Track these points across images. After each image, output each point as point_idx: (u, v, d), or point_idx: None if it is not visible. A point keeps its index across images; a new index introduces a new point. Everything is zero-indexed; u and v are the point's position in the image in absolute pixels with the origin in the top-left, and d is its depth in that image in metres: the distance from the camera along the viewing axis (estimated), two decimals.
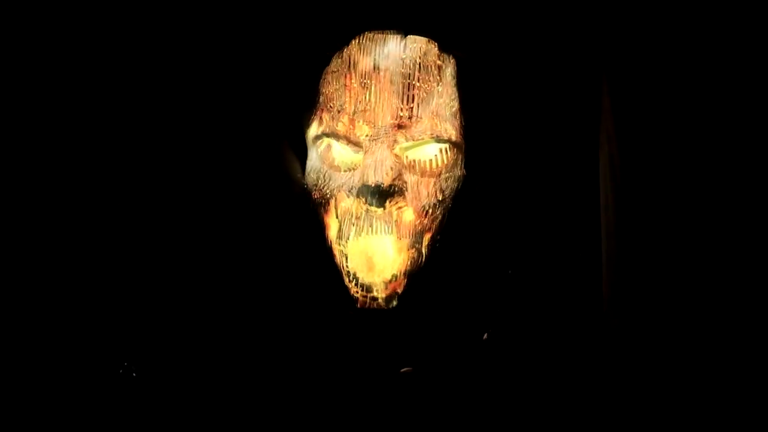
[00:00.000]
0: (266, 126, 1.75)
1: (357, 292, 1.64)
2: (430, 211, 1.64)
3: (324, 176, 1.66)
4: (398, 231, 1.61)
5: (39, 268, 1.68)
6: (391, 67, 1.63)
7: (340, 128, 1.63)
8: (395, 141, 1.61)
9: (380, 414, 1.55)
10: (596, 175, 1.74)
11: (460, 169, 1.67)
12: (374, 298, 1.64)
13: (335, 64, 1.68)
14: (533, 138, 1.74)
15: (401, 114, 1.61)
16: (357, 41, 1.66)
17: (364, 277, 1.63)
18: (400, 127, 1.61)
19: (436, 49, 1.65)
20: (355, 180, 1.62)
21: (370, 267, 1.62)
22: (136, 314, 1.68)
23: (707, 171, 1.68)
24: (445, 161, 1.64)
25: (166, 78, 1.74)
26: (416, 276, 1.64)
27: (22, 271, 1.67)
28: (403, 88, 1.62)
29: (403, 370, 1.59)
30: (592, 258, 1.71)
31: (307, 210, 1.69)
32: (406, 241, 1.62)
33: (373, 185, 1.58)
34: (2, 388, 1.59)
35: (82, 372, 1.61)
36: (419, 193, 1.62)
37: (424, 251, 1.65)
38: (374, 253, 1.61)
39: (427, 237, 1.65)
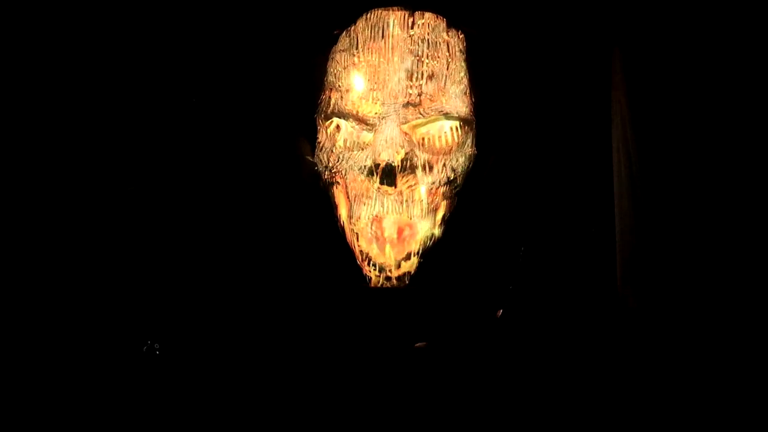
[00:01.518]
0: (275, 109, 1.74)
1: (370, 272, 1.64)
2: (442, 188, 1.62)
3: (334, 156, 1.65)
4: (409, 210, 1.60)
5: (57, 264, 1.68)
6: (400, 45, 1.61)
7: (349, 107, 1.62)
8: (405, 119, 1.59)
9: (394, 390, 1.55)
10: (609, 152, 1.73)
11: (471, 146, 1.65)
12: (387, 278, 1.63)
13: (342, 43, 1.66)
14: (545, 114, 1.72)
15: (410, 92, 1.60)
16: (364, 19, 1.64)
17: (377, 257, 1.63)
18: (409, 104, 1.59)
19: (445, 25, 1.64)
20: (366, 159, 1.61)
21: (382, 246, 1.62)
22: (160, 294, 1.69)
23: (720, 142, 1.66)
24: (456, 139, 1.63)
25: (173, 60, 1.73)
26: (428, 254, 1.64)
27: (40, 268, 1.68)
28: (412, 65, 1.60)
29: (417, 345, 1.59)
30: (605, 235, 1.70)
31: (318, 191, 1.69)
32: (418, 220, 1.61)
33: (383, 163, 1.57)
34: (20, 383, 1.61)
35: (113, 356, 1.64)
36: (430, 171, 1.61)
37: (435, 229, 1.64)
38: (383, 236, 1.61)
39: (438, 215, 1.64)
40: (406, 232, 1.61)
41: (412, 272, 1.64)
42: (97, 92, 1.72)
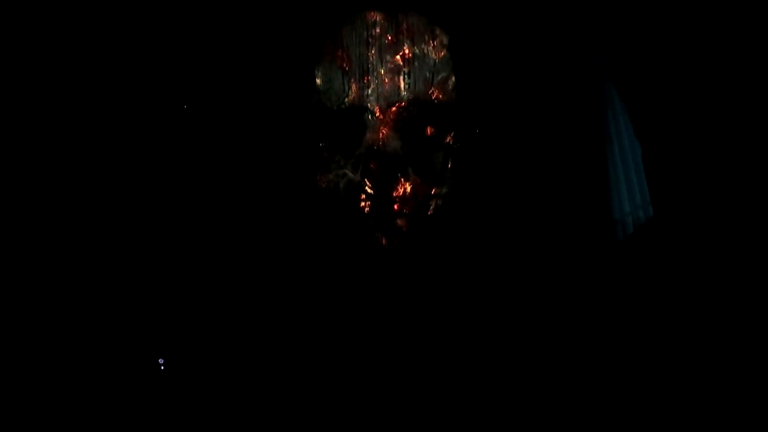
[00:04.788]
0: (269, 114, 1.76)
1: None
2: (436, 181, 1.66)
3: (329, 159, 1.68)
4: (407, 204, 1.64)
5: (53, 268, 1.71)
6: (385, 45, 1.64)
7: (341, 110, 1.65)
8: (395, 116, 1.63)
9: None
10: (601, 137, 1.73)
11: (460, 138, 1.68)
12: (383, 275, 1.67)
13: (329, 48, 1.69)
14: (530, 104, 1.73)
15: (399, 90, 1.63)
16: (349, 22, 1.67)
17: (370, 259, 1.66)
18: (398, 102, 1.63)
19: (428, 22, 1.66)
20: (361, 159, 1.64)
21: (380, 248, 1.66)
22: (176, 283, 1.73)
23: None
24: (446, 131, 1.66)
25: (167, 72, 1.75)
26: (424, 237, 1.67)
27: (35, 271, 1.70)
28: (399, 63, 1.63)
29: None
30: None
31: (319, 195, 1.71)
32: (414, 216, 1.65)
33: (378, 162, 1.62)
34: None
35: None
36: (424, 164, 1.65)
37: (433, 220, 1.67)
38: (381, 234, 1.65)
39: (434, 204, 1.67)
40: (400, 231, 1.65)
41: (409, 266, 1.67)
42: (94, 96, 1.74)
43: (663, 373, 1.60)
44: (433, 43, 1.65)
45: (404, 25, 1.65)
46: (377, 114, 1.63)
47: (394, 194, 1.63)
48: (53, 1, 1.70)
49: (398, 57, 1.64)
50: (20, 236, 1.68)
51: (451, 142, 1.67)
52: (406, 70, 1.63)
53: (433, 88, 1.64)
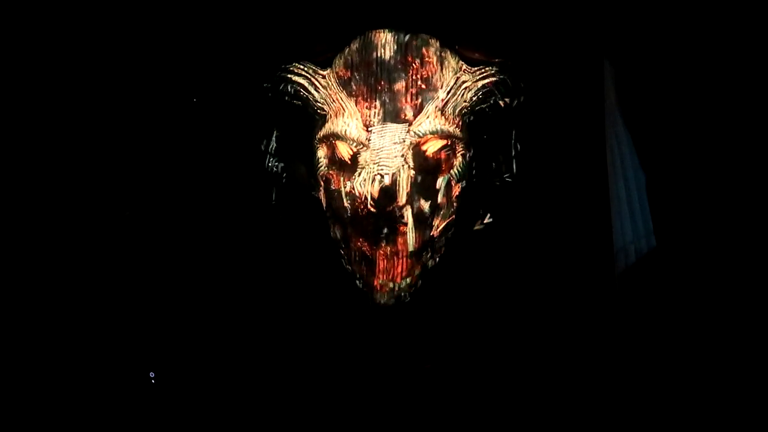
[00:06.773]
0: (273, 131, 1.76)
1: (367, 288, 1.66)
2: (438, 207, 1.65)
3: (330, 178, 1.67)
4: (406, 231, 1.63)
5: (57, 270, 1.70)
6: (394, 65, 1.65)
7: (345, 129, 1.64)
8: (401, 139, 1.62)
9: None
10: (604, 166, 1.73)
11: (467, 163, 1.67)
12: (386, 293, 1.65)
13: (337, 65, 1.69)
14: (539, 128, 1.73)
15: (406, 111, 1.63)
16: (358, 41, 1.68)
17: (369, 279, 1.64)
18: (404, 124, 1.62)
19: (438, 44, 1.67)
20: (362, 181, 1.63)
21: (379, 268, 1.64)
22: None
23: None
24: (452, 156, 1.66)
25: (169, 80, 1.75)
26: (427, 270, 1.66)
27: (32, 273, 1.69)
28: (407, 85, 1.64)
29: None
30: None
31: (315, 211, 1.70)
32: (414, 240, 1.63)
33: (380, 185, 1.61)
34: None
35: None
36: (427, 191, 1.64)
37: (433, 247, 1.66)
38: (382, 255, 1.64)
39: (436, 230, 1.66)
40: (400, 254, 1.64)
41: (408, 290, 1.66)
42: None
43: (665, 403, 1.59)
44: (442, 65, 1.66)
45: (413, 46, 1.66)
46: (382, 134, 1.63)
47: (398, 214, 1.62)
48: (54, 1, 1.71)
49: (406, 78, 1.64)
50: (19, 236, 1.67)
51: (455, 165, 1.66)
52: (413, 91, 1.64)
53: (439, 110, 1.64)
